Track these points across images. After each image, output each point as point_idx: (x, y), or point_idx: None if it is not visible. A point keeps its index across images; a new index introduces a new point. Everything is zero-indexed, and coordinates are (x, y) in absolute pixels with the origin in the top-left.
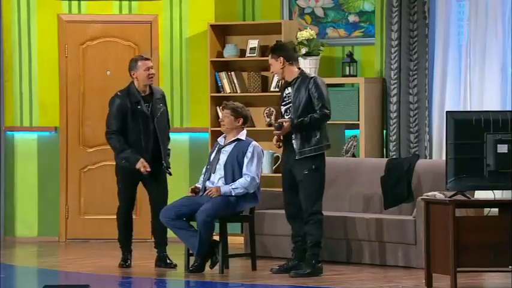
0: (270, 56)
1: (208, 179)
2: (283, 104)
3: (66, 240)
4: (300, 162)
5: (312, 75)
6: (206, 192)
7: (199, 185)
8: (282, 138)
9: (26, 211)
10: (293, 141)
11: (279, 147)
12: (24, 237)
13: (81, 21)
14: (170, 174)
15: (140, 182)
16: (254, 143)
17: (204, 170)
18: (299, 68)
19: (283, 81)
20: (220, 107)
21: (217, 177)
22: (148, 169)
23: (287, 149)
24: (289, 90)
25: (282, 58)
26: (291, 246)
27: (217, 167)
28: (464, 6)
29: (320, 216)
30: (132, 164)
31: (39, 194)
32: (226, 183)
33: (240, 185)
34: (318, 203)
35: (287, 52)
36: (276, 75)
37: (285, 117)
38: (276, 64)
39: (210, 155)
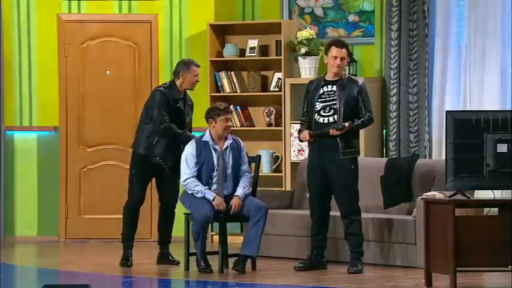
0: (345, 50)
1: (222, 187)
2: (319, 100)
3: (66, 239)
4: (341, 162)
5: (359, 79)
6: (232, 211)
7: (204, 191)
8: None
9: (26, 211)
10: (338, 141)
11: (309, 142)
12: (24, 237)
13: (81, 20)
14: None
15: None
16: (239, 138)
17: (193, 168)
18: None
19: (320, 77)
20: (222, 115)
21: (231, 186)
22: None
23: (321, 149)
24: (329, 88)
25: (348, 58)
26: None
27: (228, 174)
28: (464, 5)
29: (360, 216)
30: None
31: (39, 193)
32: (236, 185)
33: (248, 183)
34: (358, 202)
35: None
36: (340, 70)
37: (322, 113)
38: (346, 60)
39: (209, 159)
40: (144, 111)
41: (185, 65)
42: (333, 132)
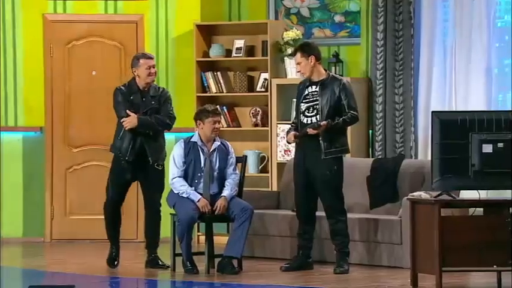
0: (298, 54)
1: (208, 188)
2: (304, 101)
3: (51, 240)
4: (324, 162)
5: (342, 78)
6: (217, 212)
7: (189, 192)
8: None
9: (11, 211)
10: (320, 141)
11: (294, 143)
12: (9, 238)
13: (67, 20)
14: (160, 168)
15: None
16: (228, 142)
17: (181, 168)
18: (325, 69)
19: (307, 78)
20: (211, 117)
21: (217, 187)
22: None
23: (305, 149)
24: (313, 88)
25: (313, 57)
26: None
27: (214, 175)
28: (449, 6)
29: (346, 216)
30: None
31: (24, 194)
32: (222, 187)
33: (235, 185)
34: (343, 202)
35: (317, 51)
36: (302, 74)
37: (306, 114)
38: (306, 63)
39: (197, 159)
40: None
41: (134, 60)
42: (309, 131)
